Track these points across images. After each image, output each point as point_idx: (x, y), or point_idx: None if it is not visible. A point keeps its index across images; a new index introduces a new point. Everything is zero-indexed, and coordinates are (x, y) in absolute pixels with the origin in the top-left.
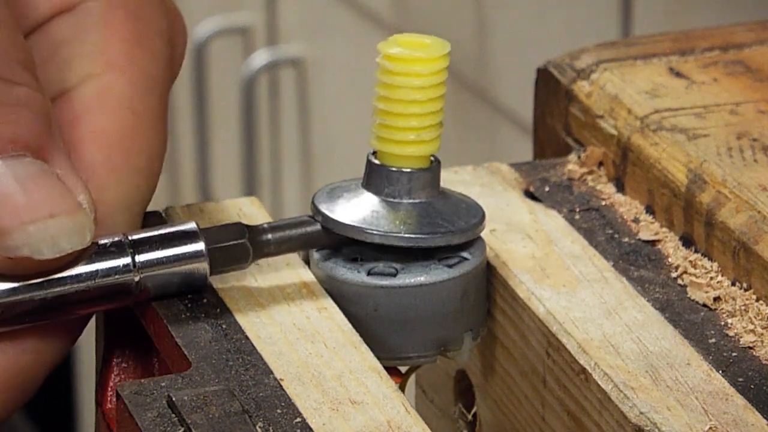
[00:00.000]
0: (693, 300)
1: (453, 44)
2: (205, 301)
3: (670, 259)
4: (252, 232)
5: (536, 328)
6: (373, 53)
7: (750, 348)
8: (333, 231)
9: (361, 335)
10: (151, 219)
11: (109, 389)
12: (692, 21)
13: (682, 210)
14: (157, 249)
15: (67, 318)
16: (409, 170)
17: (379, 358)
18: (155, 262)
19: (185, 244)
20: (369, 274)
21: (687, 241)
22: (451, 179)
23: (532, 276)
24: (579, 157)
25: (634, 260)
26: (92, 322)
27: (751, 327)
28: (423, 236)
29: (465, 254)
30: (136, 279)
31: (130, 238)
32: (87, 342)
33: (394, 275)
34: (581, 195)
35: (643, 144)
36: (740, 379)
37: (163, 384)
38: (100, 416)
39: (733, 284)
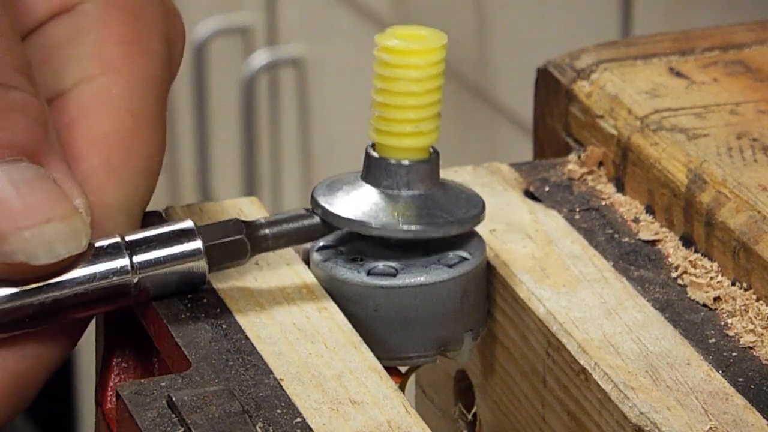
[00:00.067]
0: (693, 300)
1: (453, 44)
2: (205, 301)
3: (670, 259)
4: (249, 227)
5: (536, 328)
6: (373, 53)
7: (750, 348)
8: (332, 224)
9: (361, 335)
10: (151, 219)
11: (109, 389)
12: (692, 21)
13: (682, 210)
14: (155, 249)
15: (66, 322)
16: (407, 162)
17: (379, 358)
18: (153, 262)
19: (183, 242)
20: (369, 274)
21: (687, 241)
22: (451, 179)
23: (532, 276)
24: (579, 157)
25: (634, 260)
26: (92, 322)
27: (751, 327)
28: (421, 228)
29: (465, 254)
30: (135, 280)
31: (127, 239)
32: (87, 342)
33: (394, 275)
34: (581, 195)
35: (643, 144)
36: (740, 379)
37: (163, 384)
38: (100, 416)
39: (733, 284)
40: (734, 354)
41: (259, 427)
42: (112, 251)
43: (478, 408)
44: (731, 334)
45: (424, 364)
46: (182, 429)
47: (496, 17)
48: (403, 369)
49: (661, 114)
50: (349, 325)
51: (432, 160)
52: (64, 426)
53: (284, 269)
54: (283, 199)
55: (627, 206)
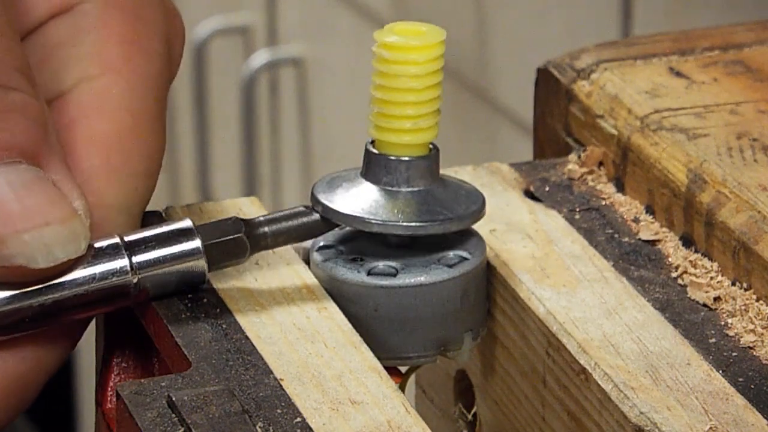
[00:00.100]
0: (693, 300)
1: (453, 44)
2: (205, 301)
3: (670, 259)
4: (248, 225)
5: (536, 328)
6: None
7: (750, 348)
8: (332, 221)
9: (361, 335)
10: (151, 219)
11: (109, 389)
12: (692, 21)
13: (682, 210)
14: (154, 249)
15: (67, 323)
16: (407, 158)
17: (379, 358)
18: (152, 262)
19: (182, 242)
20: (369, 274)
21: (687, 241)
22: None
23: (532, 276)
24: (579, 157)
25: (634, 260)
26: (92, 322)
27: (751, 327)
28: (421, 224)
29: (465, 254)
30: (134, 280)
31: (126, 239)
32: (87, 342)
33: (394, 275)
34: (581, 195)
35: (643, 144)
36: (740, 379)
37: (163, 384)
38: (100, 416)
39: (733, 284)
40: (734, 354)
41: (259, 427)
42: (112, 252)
43: (478, 408)
44: (731, 334)
45: (424, 364)
46: (182, 429)
47: (496, 17)
48: (403, 369)
49: (661, 114)
50: (349, 325)
51: (432, 156)
52: (64, 426)
53: (284, 269)
54: (283, 199)
55: (627, 206)
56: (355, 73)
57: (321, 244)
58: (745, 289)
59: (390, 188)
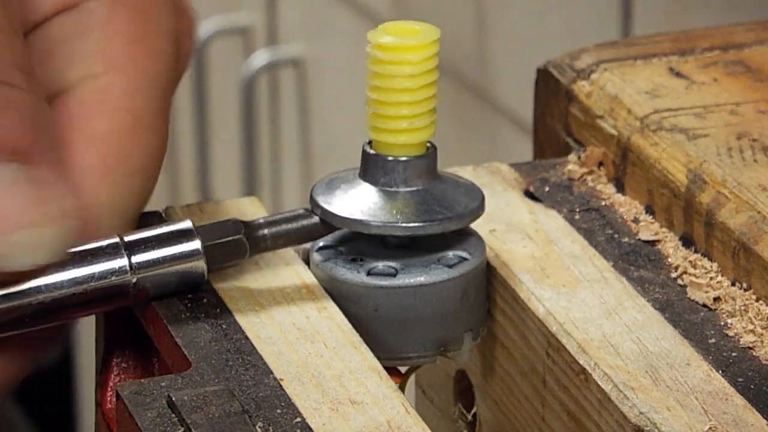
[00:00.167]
0: (693, 300)
1: (453, 44)
2: (205, 301)
3: (670, 259)
4: (248, 227)
5: (536, 328)
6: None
7: (750, 348)
8: (331, 224)
9: (361, 335)
10: (151, 219)
11: (109, 389)
12: (692, 21)
13: (682, 210)
14: (154, 249)
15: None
16: (404, 158)
17: (379, 358)
18: (152, 262)
19: (181, 243)
20: (369, 274)
21: (687, 241)
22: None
23: (532, 276)
24: (579, 157)
25: (634, 260)
26: (92, 322)
27: (751, 327)
28: (420, 224)
29: (465, 254)
30: (133, 280)
31: (125, 239)
32: (87, 342)
33: (394, 275)
34: (581, 195)
35: (643, 144)
36: (740, 379)
37: (163, 384)
38: (100, 416)
39: (733, 284)
40: (734, 354)
41: (259, 427)
42: (111, 251)
43: (478, 408)
44: (731, 334)
45: (424, 364)
46: (182, 429)
47: (496, 17)
48: (403, 369)
49: (661, 114)
50: (349, 325)
51: (429, 155)
52: (64, 426)
53: (284, 269)
54: (283, 199)
55: (627, 206)
56: (355, 73)
57: (321, 244)
58: (745, 290)
59: (388, 189)
